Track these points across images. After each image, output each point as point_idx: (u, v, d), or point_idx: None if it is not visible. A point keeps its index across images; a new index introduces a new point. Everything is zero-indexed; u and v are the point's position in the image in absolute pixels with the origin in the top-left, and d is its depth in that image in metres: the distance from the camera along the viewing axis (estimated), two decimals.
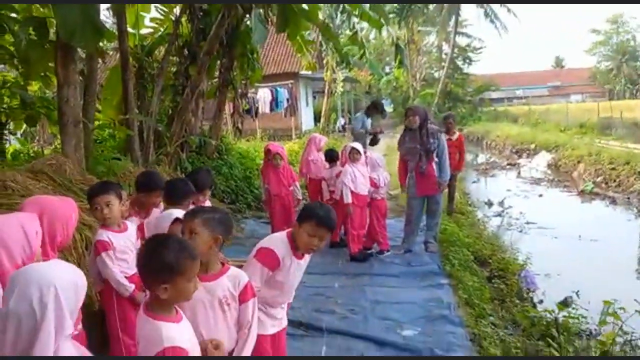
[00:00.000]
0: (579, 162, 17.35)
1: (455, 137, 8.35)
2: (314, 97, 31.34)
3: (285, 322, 3.09)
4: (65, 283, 1.72)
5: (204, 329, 2.35)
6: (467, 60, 41.97)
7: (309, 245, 2.87)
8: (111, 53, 11.11)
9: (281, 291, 2.95)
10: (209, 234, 2.48)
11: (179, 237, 2.34)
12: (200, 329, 2.33)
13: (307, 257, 3.05)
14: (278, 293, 2.94)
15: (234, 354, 2.46)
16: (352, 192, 6.43)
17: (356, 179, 6.44)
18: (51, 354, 1.67)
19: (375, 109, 9.13)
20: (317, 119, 28.21)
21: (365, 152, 6.93)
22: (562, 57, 74.04)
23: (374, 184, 6.70)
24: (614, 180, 14.58)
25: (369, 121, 9.19)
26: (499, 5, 36.24)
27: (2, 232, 2.04)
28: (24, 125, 9.32)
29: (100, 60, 9.18)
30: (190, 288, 2.09)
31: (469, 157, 24.31)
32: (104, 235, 3.37)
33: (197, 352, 2.12)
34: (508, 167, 20.30)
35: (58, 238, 2.47)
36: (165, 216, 3.31)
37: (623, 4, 52.34)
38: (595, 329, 5.33)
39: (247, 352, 2.49)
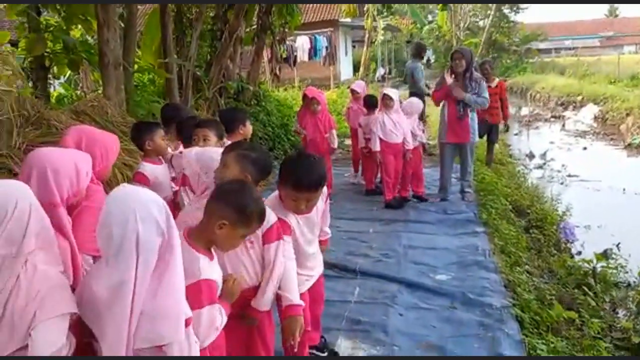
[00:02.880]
0: (627, 114, 16.62)
1: (494, 84, 8.06)
2: (354, 47, 30.75)
3: (319, 270, 3.03)
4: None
5: (228, 262, 2.37)
6: (515, 8, 40.04)
7: (296, 210, 2.61)
8: None
9: (297, 252, 2.76)
10: (239, 170, 2.45)
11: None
12: (224, 261, 2.34)
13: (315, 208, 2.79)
14: (296, 254, 2.74)
15: (257, 295, 2.47)
16: (381, 140, 6.38)
17: (385, 127, 6.36)
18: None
19: (424, 51, 9.15)
20: (356, 68, 27.76)
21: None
22: (617, 6, 69.80)
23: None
24: None
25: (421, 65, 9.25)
26: None
27: (56, 164, 2.10)
28: (68, 72, 9.50)
29: (139, 5, 9.19)
30: (237, 243, 2.14)
31: (512, 109, 23.63)
32: None
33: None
34: (552, 119, 19.67)
35: (97, 166, 2.51)
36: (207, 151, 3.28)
37: (623, 4, 48.66)
38: (634, 281, 5.25)
39: (269, 295, 2.47)
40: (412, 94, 9.03)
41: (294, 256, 2.61)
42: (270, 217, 2.50)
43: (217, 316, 2.05)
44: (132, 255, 1.63)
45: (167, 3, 8.02)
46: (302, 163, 2.60)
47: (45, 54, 7.84)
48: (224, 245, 2.13)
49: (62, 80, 11.10)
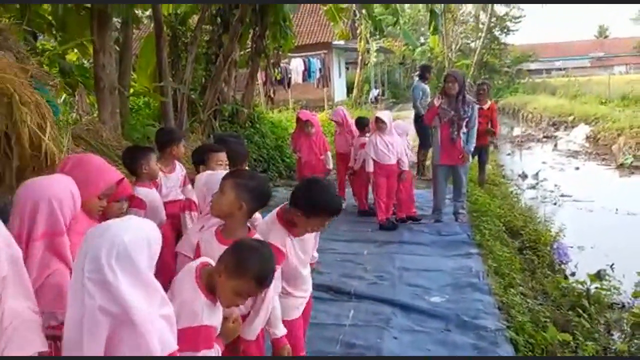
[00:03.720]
0: (619, 134, 16.79)
1: (487, 106, 8.18)
2: (347, 68, 31.04)
3: (310, 290, 3.03)
4: (134, 238, 1.66)
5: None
6: (505, 30, 40.67)
7: (316, 230, 2.76)
8: (145, 22, 11.21)
9: (294, 276, 2.82)
10: (234, 197, 2.42)
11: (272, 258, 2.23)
12: None
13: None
14: (292, 278, 2.81)
15: (244, 325, 2.45)
16: (374, 161, 6.46)
17: (378, 148, 6.44)
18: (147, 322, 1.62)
19: (428, 72, 9.18)
20: (349, 90, 28.00)
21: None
22: (606, 27, 70.93)
23: None
24: None
25: (427, 88, 9.23)
26: None
27: (58, 194, 2.10)
28: (63, 95, 9.55)
29: (134, 30, 9.30)
30: (231, 298, 2.06)
31: (504, 130, 23.84)
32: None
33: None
34: (544, 139, 19.84)
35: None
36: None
37: (623, 4, 49.37)
38: (629, 302, 5.26)
39: (256, 326, 2.47)
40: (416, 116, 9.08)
41: (279, 289, 2.61)
42: None
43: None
44: (79, 288, 1.60)
45: (175, 3, 8.15)
46: (328, 190, 2.70)
47: None
48: (220, 296, 2.06)
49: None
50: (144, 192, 3.59)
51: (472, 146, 6.55)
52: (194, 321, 1.96)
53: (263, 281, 2.08)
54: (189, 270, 2.11)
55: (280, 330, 2.59)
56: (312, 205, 2.58)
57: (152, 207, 3.51)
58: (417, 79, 10.16)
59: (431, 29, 10.02)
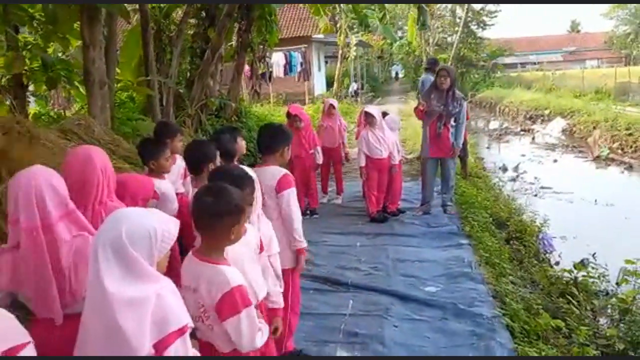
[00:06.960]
0: (594, 127, 17.22)
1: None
2: (327, 62, 31.06)
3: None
4: (132, 229, 1.75)
5: (252, 281, 2.42)
6: (481, 25, 41.15)
7: None
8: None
9: None
10: None
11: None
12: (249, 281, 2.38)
13: None
14: None
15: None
16: (366, 155, 6.54)
17: (370, 143, 6.53)
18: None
19: (435, 65, 9.20)
20: (329, 83, 28.04)
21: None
22: (578, 22, 72.25)
23: None
24: (631, 146, 14.51)
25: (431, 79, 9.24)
26: None
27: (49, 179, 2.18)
28: (43, 87, 9.38)
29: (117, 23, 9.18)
30: (244, 225, 2.25)
31: (480, 123, 24.21)
32: None
33: (251, 293, 2.26)
34: (522, 133, 20.21)
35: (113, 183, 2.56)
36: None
37: (623, 4, 50.35)
38: (612, 289, 5.45)
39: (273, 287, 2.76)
40: None
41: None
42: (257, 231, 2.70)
43: (255, 317, 2.15)
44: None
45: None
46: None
47: (23, 71, 7.75)
48: (237, 240, 2.22)
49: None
50: (157, 184, 3.64)
51: (460, 141, 6.68)
52: (225, 286, 2.09)
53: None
54: (190, 262, 2.24)
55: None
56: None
57: (164, 198, 3.57)
58: (425, 72, 10.07)
59: (419, 24, 10.10)
